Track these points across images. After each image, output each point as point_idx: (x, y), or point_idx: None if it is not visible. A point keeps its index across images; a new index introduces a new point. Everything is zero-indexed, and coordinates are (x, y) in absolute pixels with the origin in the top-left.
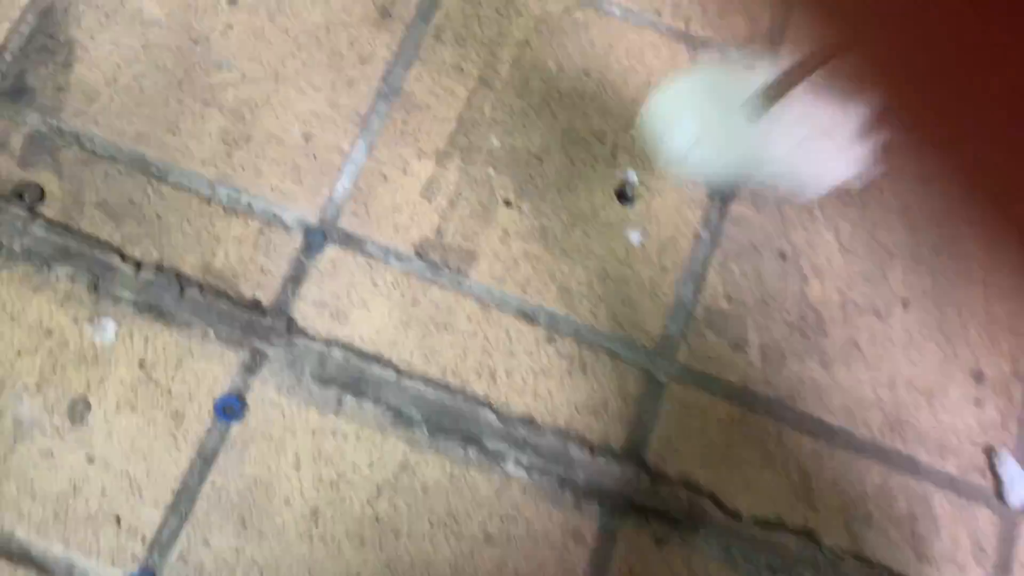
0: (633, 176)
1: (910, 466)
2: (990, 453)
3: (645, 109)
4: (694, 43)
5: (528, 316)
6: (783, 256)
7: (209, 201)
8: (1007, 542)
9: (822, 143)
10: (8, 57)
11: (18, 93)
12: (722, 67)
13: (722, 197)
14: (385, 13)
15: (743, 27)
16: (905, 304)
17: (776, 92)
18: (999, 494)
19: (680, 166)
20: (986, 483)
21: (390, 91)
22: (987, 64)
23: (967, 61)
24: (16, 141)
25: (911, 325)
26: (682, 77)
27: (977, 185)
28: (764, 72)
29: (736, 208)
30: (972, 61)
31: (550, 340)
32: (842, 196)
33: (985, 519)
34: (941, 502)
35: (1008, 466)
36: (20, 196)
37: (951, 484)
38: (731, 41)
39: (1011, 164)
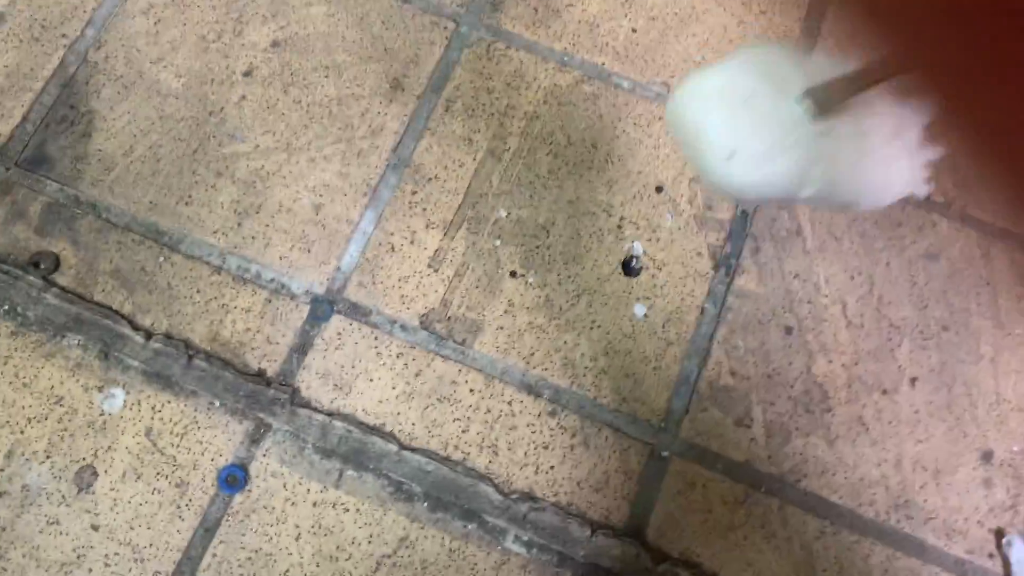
0: (639, 248)
1: (916, 548)
2: (999, 535)
3: (671, 107)
4: None
5: (531, 388)
6: (788, 331)
7: (219, 270)
8: None
9: (885, 151)
10: (29, 127)
11: (38, 163)
12: (764, 57)
13: (727, 270)
14: (397, 86)
15: None
16: (913, 382)
17: (836, 95)
18: None
19: (719, 179)
20: (994, 567)
21: (400, 162)
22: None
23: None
24: (34, 210)
25: (918, 403)
26: (715, 68)
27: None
28: (815, 67)
29: (741, 281)
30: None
31: (553, 414)
32: (848, 269)
33: None
34: None
35: (1017, 549)
36: (36, 265)
37: (958, 567)
38: None
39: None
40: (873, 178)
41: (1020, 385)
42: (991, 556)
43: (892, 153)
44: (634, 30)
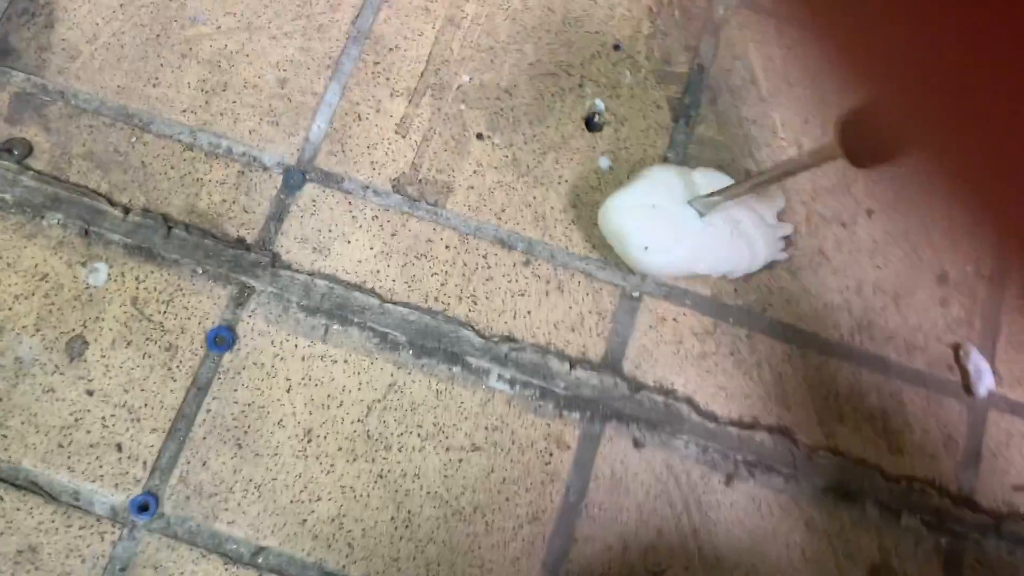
0: (600, 104)
1: (880, 365)
2: (956, 349)
3: (601, 218)
4: None
5: (504, 242)
6: (749, 173)
7: (191, 147)
8: (976, 431)
9: (752, 232)
10: None
11: (2, 55)
12: (662, 176)
13: (687, 120)
14: None
15: None
16: (870, 213)
17: (713, 199)
18: (966, 387)
19: (640, 266)
20: (954, 377)
21: (360, 34)
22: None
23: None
24: (2, 100)
25: (876, 233)
26: (629, 188)
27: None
28: (697, 179)
29: (700, 130)
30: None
31: (527, 263)
32: (802, 113)
33: (954, 411)
34: (911, 397)
35: (974, 360)
36: (9, 151)
37: (920, 380)
38: None
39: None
40: (745, 253)
41: (971, 211)
42: (949, 367)
43: (757, 233)
44: None
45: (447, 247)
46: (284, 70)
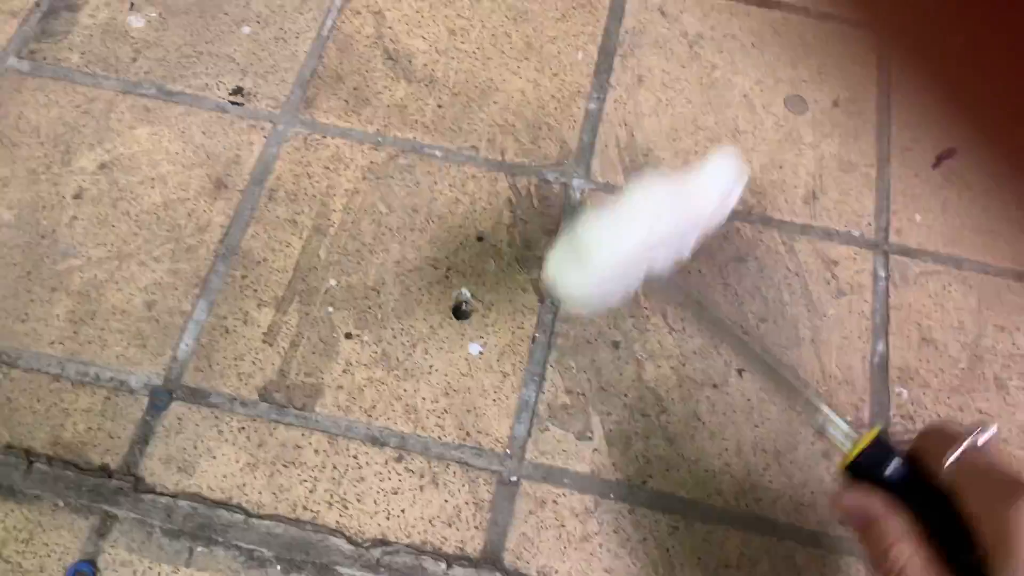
0: (467, 293)
1: (769, 528)
2: None
3: (543, 276)
4: (511, 169)
5: (376, 440)
6: (616, 345)
7: (59, 378)
8: None
9: (677, 225)
10: None
11: None
12: (593, 217)
13: (553, 300)
14: (220, 184)
15: (554, 151)
16: (740, 372)
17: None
18: None
19: (581, 309)
20: (847, 533)
21: (228, 251)
22: None
23: None
24: None
25: (749, 391)
26: (558, 245)
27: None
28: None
29: (566, 308)
30: None
31: (399, 459)
32: (662, 286)
33: (851, 570)
34: (805, 560)
35: None
36: None
37: (813, 540)
38: (544, 164)
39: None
40: (671, 248)
41: (842, 360)
42: (842, 522)
43: (681, 222)
44: (440, 106)
45: (316, 451)
46: (153, 293)
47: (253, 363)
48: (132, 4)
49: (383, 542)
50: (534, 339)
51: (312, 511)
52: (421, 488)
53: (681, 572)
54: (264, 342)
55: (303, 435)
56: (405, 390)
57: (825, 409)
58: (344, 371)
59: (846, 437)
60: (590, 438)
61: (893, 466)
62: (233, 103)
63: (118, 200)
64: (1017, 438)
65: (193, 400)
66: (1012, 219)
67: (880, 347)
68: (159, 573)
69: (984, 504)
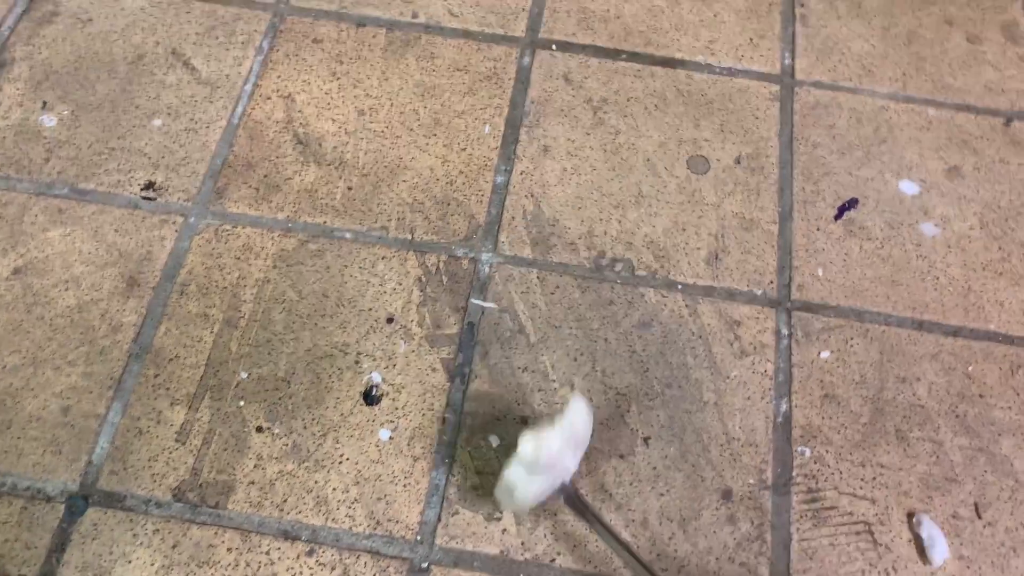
0: (377, 377)
1: None
2: (751, 569)
3: (495, 496)
4: (421, 247)
5: (288, 534)
6: (524, 421)
7: None
8: None
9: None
10: None
11: None
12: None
13: (462, 379)
14: (133, 283)
15: (463, 227)
16: (646, 441)
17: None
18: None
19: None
20: None
21: (141, 351)
22: None
23: None
24: None
25: (655, 459)
26: (503, 478)
27: None
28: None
29: (475, 386)
30: None
31: (311, 553)
32: (571, 353)
33: None
34: None
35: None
36: None
37: None
38: (453, 240)
39: None
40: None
41: (745, 422)
42: None
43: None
44: (350, 188)
45: (229, 549)
46: (68, 398)
47: (167, 463)
48: (44, 103)
49: None
50: (444, 420)
51: None
52: None
53: None
54: (177, 441)
55: (216, 534)
56: (316, 481)
57: None
58: (255, 466)
59: None
60: (499, 519)
61: None
62: (145, 198)
63: (32, 305)
64: (917, 490)
65: (109, 504)
66: (913, 268)
67: (783, 406)
68: None
69: None
